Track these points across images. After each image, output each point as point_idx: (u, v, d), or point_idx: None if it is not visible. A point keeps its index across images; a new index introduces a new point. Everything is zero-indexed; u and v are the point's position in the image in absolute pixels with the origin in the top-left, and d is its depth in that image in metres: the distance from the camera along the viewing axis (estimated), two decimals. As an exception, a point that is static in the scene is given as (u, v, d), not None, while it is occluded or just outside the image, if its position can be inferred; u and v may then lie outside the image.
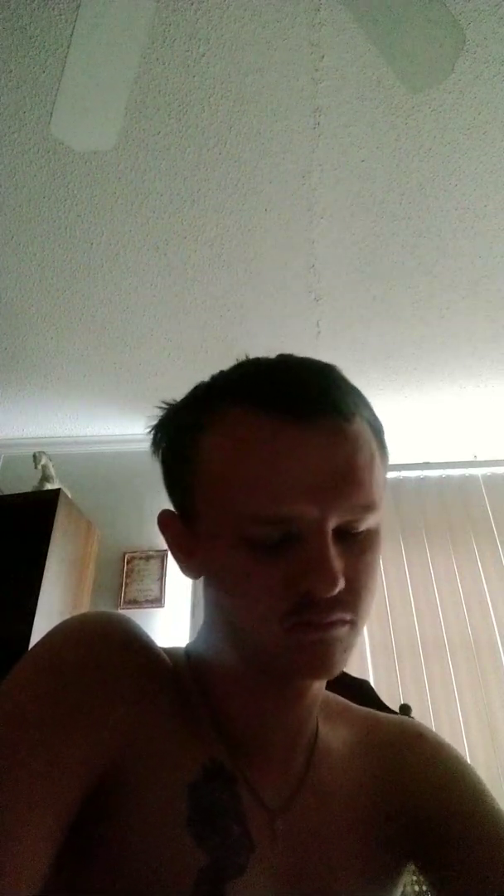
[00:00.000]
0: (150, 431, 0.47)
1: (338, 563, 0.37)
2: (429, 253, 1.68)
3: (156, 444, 0.47)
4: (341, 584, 0.37)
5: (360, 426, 0.40)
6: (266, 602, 0.38)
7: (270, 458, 0.38)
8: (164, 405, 0.47)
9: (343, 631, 0.39)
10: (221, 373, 0.45)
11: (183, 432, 0.44)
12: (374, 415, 0.44)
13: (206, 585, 0.46)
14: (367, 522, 0.40)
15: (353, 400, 0.41)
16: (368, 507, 0.39)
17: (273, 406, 0.38)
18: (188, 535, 0.44)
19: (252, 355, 0.46)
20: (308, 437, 0.38)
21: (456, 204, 1.53)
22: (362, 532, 0.40)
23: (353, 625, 0.40)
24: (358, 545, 0.40)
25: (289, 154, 1.40)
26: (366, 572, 0.40)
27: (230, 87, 1.26)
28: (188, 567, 0.45)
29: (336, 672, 0.40)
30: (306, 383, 0.40)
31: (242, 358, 0.46)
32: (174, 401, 0.47)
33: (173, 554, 0.46)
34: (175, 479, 0.45)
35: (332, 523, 0.38)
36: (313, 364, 0.43)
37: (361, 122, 1.33)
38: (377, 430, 0.43)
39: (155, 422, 0.47)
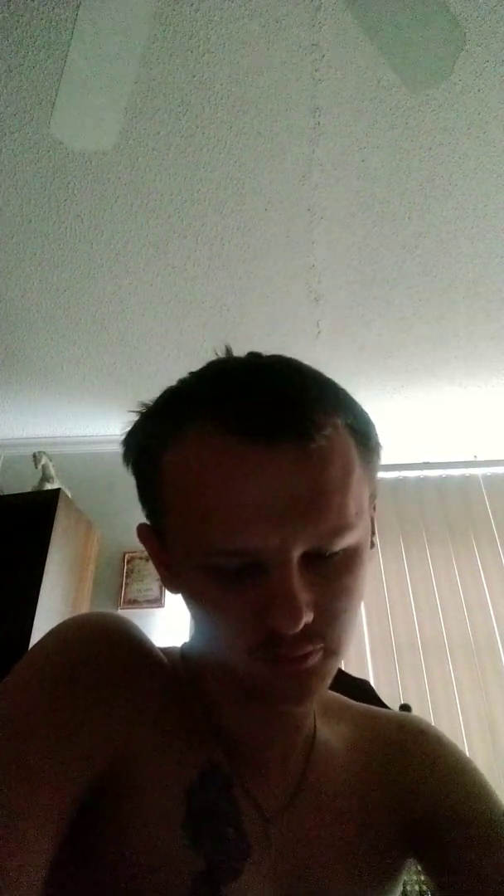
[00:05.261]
0: (122, 443, 0.44)
1: (304, 596, 0.35)
2: (429, 253, 1.68)
3: (126, 456, 0.44)
4: (308, 619, 0.35)
5: (331, 439, 0.36)
6: (233, 633, 0.37)
7: (228, 484, 0.35)
8: (140, 408, 0.44)
9: (316, 660, 0.37)
10: (191, 375, 0.42)
11: (148, 448, 0.41)
12: (356, 416, 0.40)
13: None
14: (343, 542, 0.37)
15: (327, 408, 0.37)
16: (339, 530, 0.36)
17: (231, 426, 0.35)
18: (163, 551, 0.43)
19: None
20: (268, 461, 0.35)
21: (456, 204, 1.53)
22: (338, 553, 0.37)
23: (330, 651, 0.38)
24: (334, 567, 0.37)
25: (289, 154, 1.40)
26: (343, 597, 0.38)
27: (230, 87, 1.26)
28: (168, 580, 0.44)
29: (312, 701, 0.39)
30: (269, 399, 0.36)
31: (227, 354, 0.44)
32: (150, 403, 0.44)
33: (155, 567, 0.45)
34: (143, 495, 0.43)
35: (297, 552, 0.35)
36: (282, 372, 0.39)
37: (361, 122, 1.33)
38: (361, 433, 0.40)
39: (128, 429, 0.45)
